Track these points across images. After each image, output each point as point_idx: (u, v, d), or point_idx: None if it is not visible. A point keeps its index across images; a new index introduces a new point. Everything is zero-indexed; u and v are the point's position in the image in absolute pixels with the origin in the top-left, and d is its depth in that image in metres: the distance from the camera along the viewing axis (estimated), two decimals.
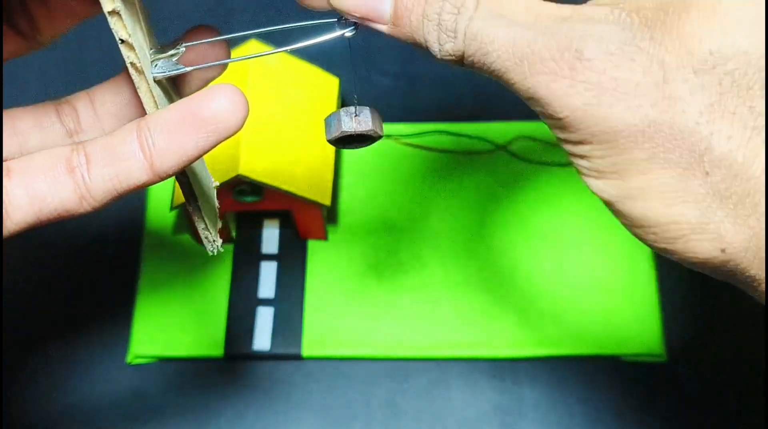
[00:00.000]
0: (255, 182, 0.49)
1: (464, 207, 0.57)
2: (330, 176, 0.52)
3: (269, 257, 0.56)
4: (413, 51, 0.67)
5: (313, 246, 0.56)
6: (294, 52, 0.55)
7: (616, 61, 0.25)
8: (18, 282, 0.55)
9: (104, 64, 0.62)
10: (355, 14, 0.28)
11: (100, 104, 0.31)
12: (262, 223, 0.57)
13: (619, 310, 0.53)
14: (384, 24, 0.28)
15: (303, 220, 0.54)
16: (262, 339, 0.53)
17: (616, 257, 0.55)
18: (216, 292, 0.55)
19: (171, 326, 0.54)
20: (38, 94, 0.61)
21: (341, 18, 0.27)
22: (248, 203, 0.52)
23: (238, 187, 0.51)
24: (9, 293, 0.54)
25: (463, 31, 0.27)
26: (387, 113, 0.61)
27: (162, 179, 0.26)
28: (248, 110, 0.26)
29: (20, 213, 0.26)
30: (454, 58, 0.27)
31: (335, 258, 0.56)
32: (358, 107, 0.29)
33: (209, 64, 0.29)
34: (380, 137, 0.30)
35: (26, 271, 0.56)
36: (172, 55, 0.28)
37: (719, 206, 0.26)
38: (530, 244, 0.56)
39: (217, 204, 0.34)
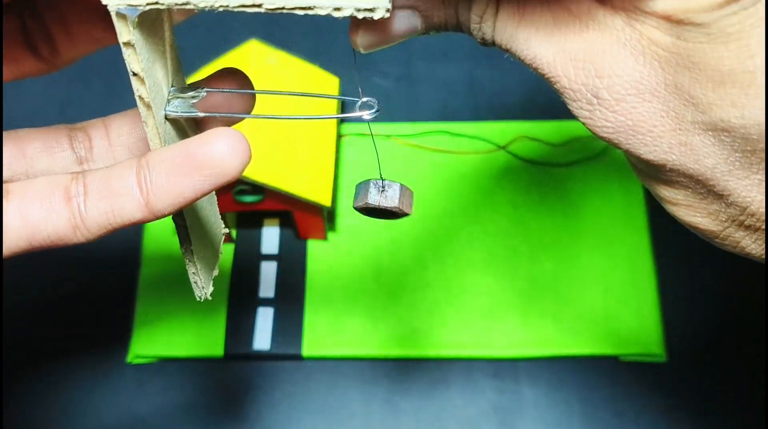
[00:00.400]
0: (255, 183, 0.49)
1: (464, 207, 0.57)
2: (330, 177, 0.52)
3: (269, 257, 0.56)
4: (414, 52, 0.67)
5: (313, 246, 0.56)
6: (295, 52, 0.55)
7: (633, 103, 0.26)
8: (18, 282, 0.55)
9: (110, 70, 0.62)
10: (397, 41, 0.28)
11: (116, 135, 0.30)
12: (262, 223, 0.57)
13: (618, 310, 0.53)
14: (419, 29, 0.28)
15: (303, 221, 0.54)
16: (262, 339, 0.53)
17: (616, 257, 0.55)
18: (216, 292, 0.55)
19: (171, 326, 0.54)
20: (41, 95, 0.61)
21: (364, 101, 0.28)
22: (248, 203, 0.52)
23: (238, 187, 0.51)
24: (9, 293, 0.54)
25: (491, 38, 0.27)
26: (387, 113, 0.62)
27: (157, 218, 0.26)
28: (250, 156, 0.25)
29: (13, 236, 0.25)
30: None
31: (335, 258, 0.56)
32: (388, 182, 0.29)
33: (222, 114, 0.29)
34: (407, 215, 0.30)
35: (26, 271, 0.56)
36: (193, 97, 0.27)
37: (739, 229, 0.27)
38: (530, 244, 0.56)
39: (220, 251, 0.33)
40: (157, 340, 0.53)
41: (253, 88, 0.29)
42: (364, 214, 0.30)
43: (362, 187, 0.30)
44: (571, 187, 0.57)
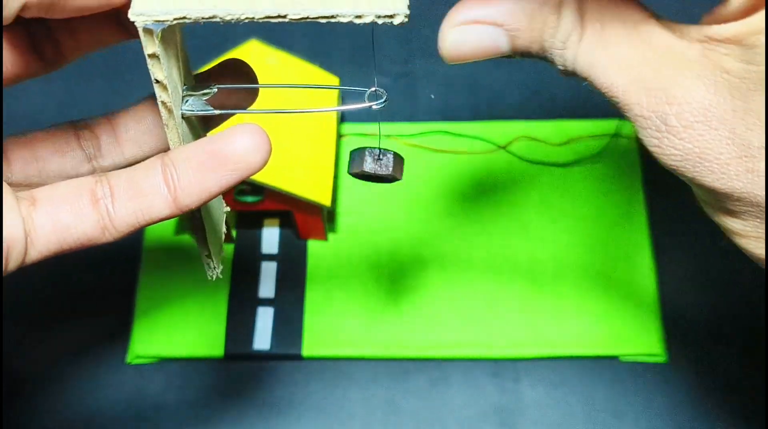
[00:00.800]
0: (255, 183, 0.49)
1: (464, 207, 0.57)
2: (330, 177, 0.52)
3: (269, 257, 0.56)
4: (413, 51, 0.67)
5: (313, 246, 0.56)
6: (295, 52, 0.55)
7: (700, 130, 0.26)
8: (18, 282, 0.55)
9: (109, 68, 0.62)
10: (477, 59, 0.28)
11: (122, 131, 0.31)
12: (262, 223, 0.57)
13: (619, 310, 0.53)
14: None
15: (303, 221, 0.54)
16: (262, 339, 0.53)
17: (616, 257, 0.55)
18: (216, 292, 0.55)
19: (171, 326, 0.54)
20: (40, 94, 0.61)
21: (374, 91, 0.29)
22: (248, 203, 0.52)
23: (238, 187, 0.51)
24: (9, 293, 0.54)
25: (572, 66, 0.28)
26: (387, 113, 0.61)
27: (183, 212, 0.27)
28: (270, 150, 0.27)
29: (44, 241, 0.26)
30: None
31: (335, 258, 0.56)
32: (383, 151, 0.31)
33: (235, 111, 0.30)
34: (398, 180, 0.32)
35: (26, 270, 0.55)
36: (204, 95, 0.28)
37: None
38: (530, 244, 0.56)
39: (224, 230, 0.34)
40: (157, 340, 0.53)
41: (257, 81, 0.30)
42: (358, 178, 0.32)
43: (357, 154, 0.31)
44: (571, 187, 0.57)
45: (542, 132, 0.59)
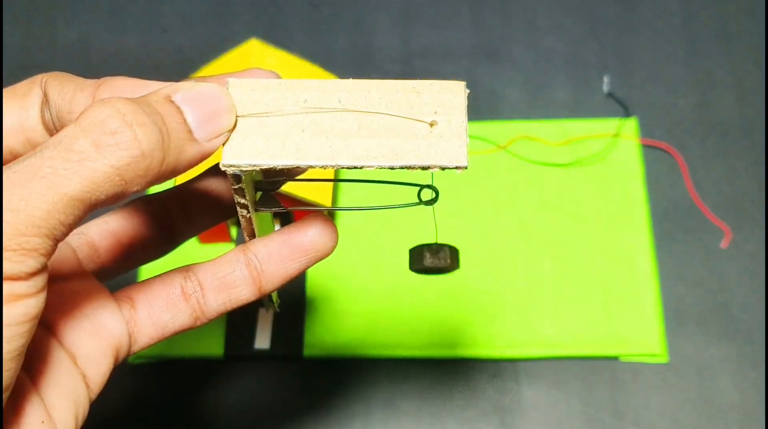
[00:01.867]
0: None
1: (464, 207, 0.57)
2: (330, 177, 0.52)
3: None
4: (414, 50, 0.67)
5: None
6: (295, 52, 0.55)
7: None
8: None
9: (110, 61, 0.62)
10: None
11: (192, 205, 0.32)
12: None
13: (619, 310, 0.53)
14: None
15: None
16: (262, 339, 0.53)
17: (616, 257, 0.55)
18: None
19: None
20: None
21: (422, 188, 0.31)
22: None
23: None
24: None
25: None
26: None
27: (265, 296, 0.30)
28: (338, 235, 0.30)
29: (146, 339, 0.29)
30: None
31: (335, 258, 0.55)
32: (438, 246, 0.35)
33: (304, 208, 0.35)
34: (456, 269, 0.35)
35: None
36: (274, 190, 0.30)
37: None
38: (530, 244, 0.56)
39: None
40: None
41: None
42: (420, 273, 0.36)
43: (416, 252, 0.35)
44: (571, 187, 0.57)
45: (542, 132, 0.59)
